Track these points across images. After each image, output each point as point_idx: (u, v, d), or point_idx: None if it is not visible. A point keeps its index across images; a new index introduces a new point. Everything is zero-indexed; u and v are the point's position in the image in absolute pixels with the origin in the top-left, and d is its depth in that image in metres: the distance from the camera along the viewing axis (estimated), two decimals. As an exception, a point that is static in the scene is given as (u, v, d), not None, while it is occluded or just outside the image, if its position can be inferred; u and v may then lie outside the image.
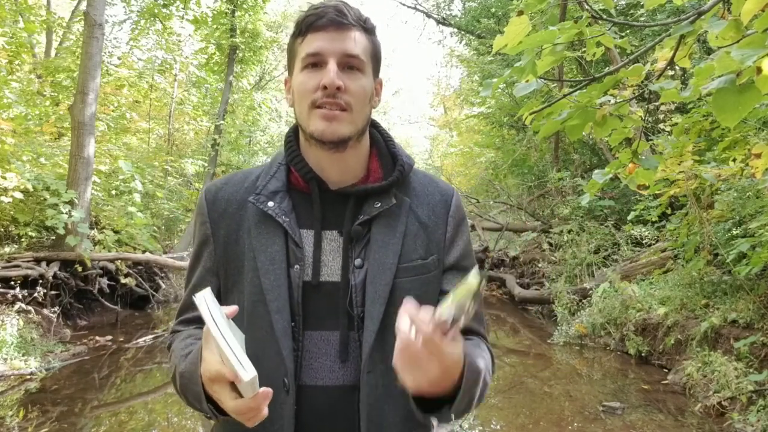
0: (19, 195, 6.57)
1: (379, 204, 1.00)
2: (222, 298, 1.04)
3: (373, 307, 0.96)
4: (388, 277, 0.97)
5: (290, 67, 1.03)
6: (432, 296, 1.05)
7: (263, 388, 0.80)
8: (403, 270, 0.99)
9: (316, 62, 0.96)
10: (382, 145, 1.08)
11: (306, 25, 0.96)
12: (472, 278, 0.78)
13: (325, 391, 0.96)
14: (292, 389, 0.94)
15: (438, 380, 0.81)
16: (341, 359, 0.97)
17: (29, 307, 6.10)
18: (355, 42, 0.96)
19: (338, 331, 0.97)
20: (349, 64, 0.96)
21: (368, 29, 1.00)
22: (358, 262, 0.98)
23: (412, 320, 0.76)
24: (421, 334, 0.75)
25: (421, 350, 0.76)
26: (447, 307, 0.76)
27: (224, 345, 0.79)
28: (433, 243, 1.04)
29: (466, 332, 1.09)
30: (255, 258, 0.98)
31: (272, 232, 0.99)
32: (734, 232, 5.28)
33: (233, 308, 0.86)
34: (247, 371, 0.78)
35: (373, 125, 1.09)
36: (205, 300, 0.82)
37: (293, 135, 1.06)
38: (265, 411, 0.83)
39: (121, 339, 6.65)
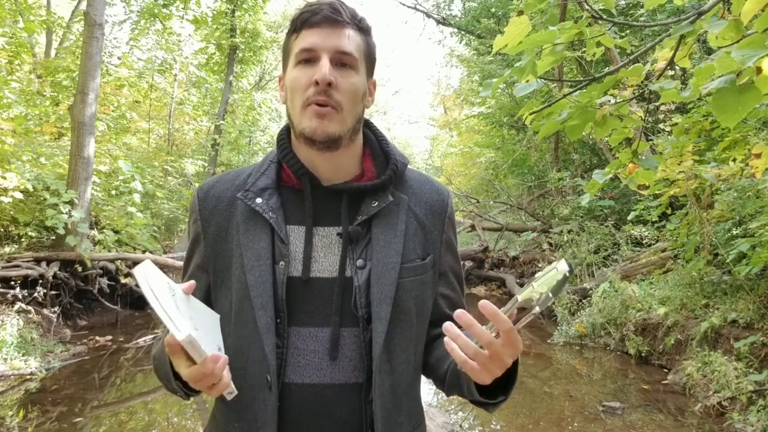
0: (19, 195, 6.57)
1: (377, 203, 0.99)
2: (211, 294, 1.04)
3: (380, 307, 0.94)
4: (392, 277, 0.96)
5: (285, 65, 1.03)
6: (428, 298, 1.04)
7: (213, 353, 0.77)
8: (404, 270, 0.98)
9: (309, 58, 0.96)
10: (375, 145, 1.08)
11: (301, 22, 0.97)
12: (561, 267, 0.76)
13: (312, 389, 0.95)
14: (275, 386, 0.93)
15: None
16: (331, 357, 0.95)
17: (29, 307, 6.09)
18: (349, 39, 0.96)
19: (328, 327, 0.95)
20: (341, 61, 0.96)
21: (363, 29, 1.00)
22: (360, 262, 0.97)
23: (492, 317, 0.77)
24: (503, 331, 0.78)
25: (502, 346, 0.79)
26: (528, 294, 0.76)
27: (159, 310, 0.74)
28: (429, 243, 1.04)
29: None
30: (242, 255, 0.97)
31: (259, 228, 0.98)
32: (734, 232, 5.28)
33: (190, 283, 0.87)
34: (181, 331, 0.73)
35: (366, 125, 1.09)
36: (144, 271, 0.80)
37: (285, 133, 1.06)
38: (227, 379, 0.80)
39: (121, 339, 6.65)
